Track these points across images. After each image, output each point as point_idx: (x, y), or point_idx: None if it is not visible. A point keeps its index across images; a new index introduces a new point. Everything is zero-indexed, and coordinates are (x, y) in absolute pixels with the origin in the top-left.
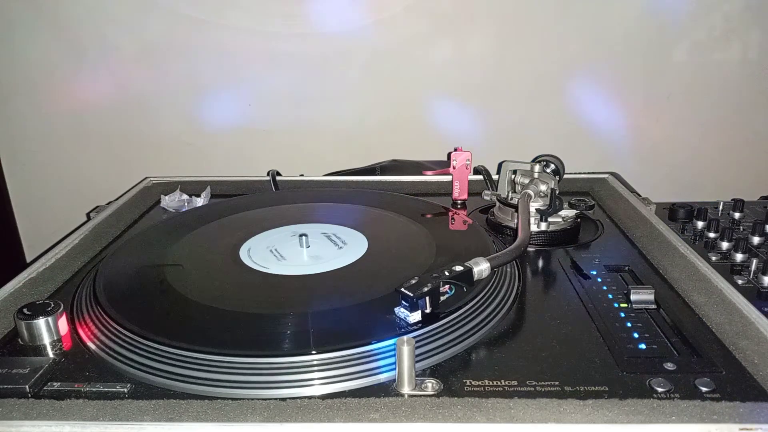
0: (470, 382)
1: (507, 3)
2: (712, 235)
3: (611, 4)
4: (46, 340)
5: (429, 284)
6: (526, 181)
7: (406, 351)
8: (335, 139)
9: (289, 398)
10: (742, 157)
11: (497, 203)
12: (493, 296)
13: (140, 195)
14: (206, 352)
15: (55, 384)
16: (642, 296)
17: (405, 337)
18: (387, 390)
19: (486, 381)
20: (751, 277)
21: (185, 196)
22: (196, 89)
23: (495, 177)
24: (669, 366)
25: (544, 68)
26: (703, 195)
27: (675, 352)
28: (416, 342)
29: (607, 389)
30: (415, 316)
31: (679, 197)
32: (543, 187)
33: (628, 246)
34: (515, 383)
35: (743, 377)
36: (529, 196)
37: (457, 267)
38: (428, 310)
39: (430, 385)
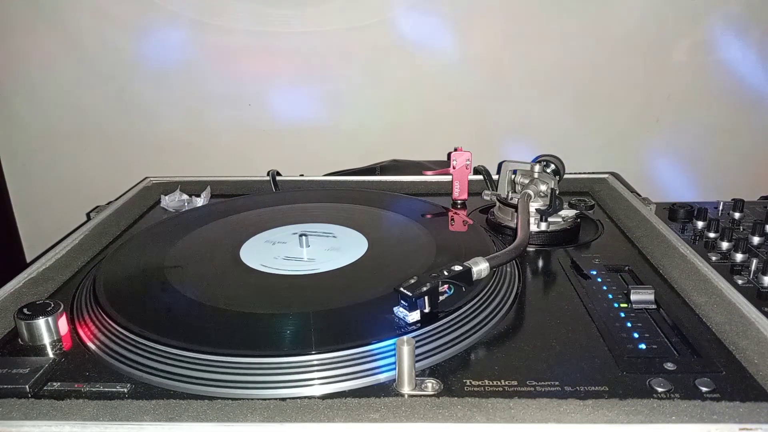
0: (470, 382)
1: (507, 3)
2: (712, 235)
3: (611, 4)
4: (46, 340)
5: (428, 284)
6: (526, 181)
7: (406, 351)
8: (335, 139)
9: (289, 398)
10: (742, 157)
11: (497, 203)
12: (492, 296)
13: (140, 195)
14: (206, 352)
15: (55, 384)
16: (642, 296)
17: (405, 337)
18: (387, 390)
19: (486, 381)
20: (751, 277)
21: (185, 196)
22: (197, 89)
23: (495, 177)
24: (669, 366)
25: (545, 68)
26: (703, 195)
27: (675, 352)
28: (416, 342)
29: (607, 389)
30: (414, 316)
31: (679, 197)
32: (543, 187)
33: (628, 246)
34: (515, 383)
35: (743, 377)
36: (529, 196)
37: (456, 267)
38: (427, 310)
39: (430, 385)
